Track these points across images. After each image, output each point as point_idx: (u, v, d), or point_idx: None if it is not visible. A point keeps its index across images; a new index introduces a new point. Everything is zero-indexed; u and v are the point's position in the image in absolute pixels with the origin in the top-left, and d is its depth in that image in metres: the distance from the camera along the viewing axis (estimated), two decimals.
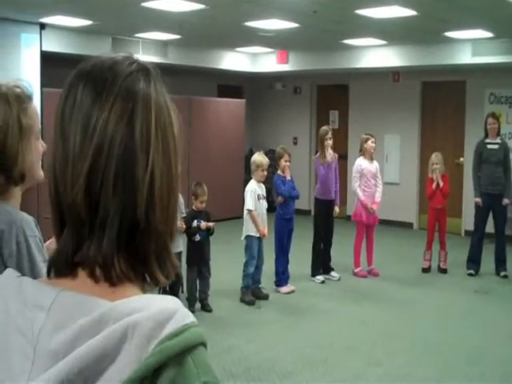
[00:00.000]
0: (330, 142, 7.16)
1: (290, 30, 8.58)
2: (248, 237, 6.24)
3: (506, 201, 7.48)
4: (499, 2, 6.57)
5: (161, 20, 7.93)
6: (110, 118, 0.86)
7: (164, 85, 0.95)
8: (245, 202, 6.28)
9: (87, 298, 0.83)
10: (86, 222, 0.86)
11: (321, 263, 7.21)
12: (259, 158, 6.38)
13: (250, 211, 6.20)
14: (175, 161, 0.92)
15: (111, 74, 0.88)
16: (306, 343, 5.15)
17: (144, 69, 0.93)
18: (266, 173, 6.32)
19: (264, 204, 6.34)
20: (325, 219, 7.20)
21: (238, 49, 11.03)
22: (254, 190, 6.23)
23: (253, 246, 6.19)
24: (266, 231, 6.26)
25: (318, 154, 7.32)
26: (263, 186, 6.39)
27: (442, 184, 7.57)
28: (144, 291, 0.89)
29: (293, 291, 6.61)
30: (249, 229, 6.23)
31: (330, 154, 7.18)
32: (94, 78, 0.89)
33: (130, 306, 0.81)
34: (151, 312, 0.80)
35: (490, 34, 8.73)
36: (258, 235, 6.19)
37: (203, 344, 0.83)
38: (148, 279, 0.90)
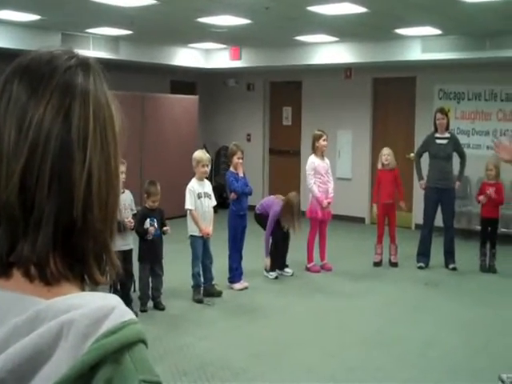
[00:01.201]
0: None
1: (242, 26, 8.58)
2: (191, 236, 6.19)
3: (457, 183, 7.72)
4: (447, 0, 6.70)
5: (111, 15, 7.83)
6: (46, 113, 0.84)
7: (105, 80, 0.93)
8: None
9: (22, 296, 0.81)
10: (20, 220, 0.84)
11: (278, 258, 7.24)
12: (199, 153, 6.33)
13: (189, 211, 6.15)
14: (115, 158, 0.91)
15: (48, 69, 0.86)
16: (260, 339, 5.17)
17: (83, 63, 0.90)
18: (207, 169, 6.27)
19: (208, 202, 6.24)
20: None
21: (191, 45, 10.97)
22: (192, 189, 6.15)
23: (196, 246, 6.14)
24: (209, 230, 6.16)
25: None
26: (207, 183, 6.33)
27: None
28: (83, 290, 0.88)
29: (246, 287, 6.63)
30: (191, 228, 6.17)
31: None
32: (30, 72, 0.86)
33: (66, 303, 0.79)
34: (88, 309, 0.78)
35: (438, 31, 8.90)
36: (200, 235, 6.14)
37: (143, 341, 0.83)
38: (86, 278, 0.89)
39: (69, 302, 0.80)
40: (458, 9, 7.15)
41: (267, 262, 7.10)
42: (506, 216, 9.12)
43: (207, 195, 6.25)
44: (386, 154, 7.83)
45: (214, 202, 6.36)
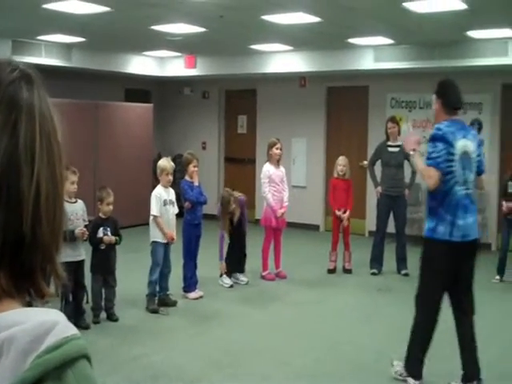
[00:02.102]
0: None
1: (197, 34, 8.58)
2: (153, 243, 6.17)
3: (407, 191, 7.85)
4: (399, 11, 6.83)
5: (63, 22, 7.73)
6: None
7: (46, 90, 0.93)
8: (150, 207, 6.21)
9: None
10: None
11: (235, 263, 7.25)
12: (163, 162, 6.34)
13: (154, 217, 6.13)
14: (60, 169, 0.90)
15: None
16: (215, 348, 5.16)
17: (26, 76, 0.90)
18: (171, 177, 6.27)
19: (172, 209, 6.28)
20: (237, 222, 7.26)
21: (146, 52, 10.92)
22: (159, 195, 6.16)
23: (157, 253, 6.12)
24: (173, 234, 6.21)
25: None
26: (171, 191, 6.33)
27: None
28: (29, 305, 0.87)
29: (201, 297, 6.61)
30: (154, 235, 6.16)
31: None
32: None
33: (7, 320, 0.78)
34: (30, 325, 0.78)
35: (390, 41, 9.08)
36: (163, 241, 6.13)
37: (86, 357, 0.82)
38: (32, 293, 0.88)
39: (10, 318, 0.79)
40: (408, 19, 7.30)
41: (222, 266, 7.10)
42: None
43: (171, 202, 6.26)
44: (342, 164, 7.91)
45: (176, 210, 6.35)
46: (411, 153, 4.45)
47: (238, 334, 5.54)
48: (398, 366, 4.51)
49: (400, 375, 4.47)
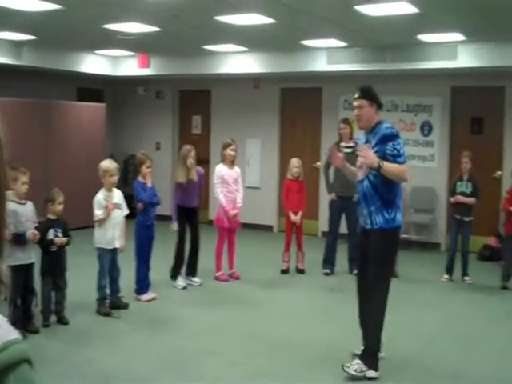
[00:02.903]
0: (192, 161, 7.10)
1: (150, 33, 8.51)
2: (98, 249, 6.06)
3: (355, 196, 7.94)
4: (351, 14, 6.91)
5: (11, 19, 7.57)
6: None
7: None
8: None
9: None
10: None
11: (181, 267, 7.21)
12: (106, 163, 6.17)
13: (97, 222, 6.01)
14: (2, 168, 0.89)
15: None
16: (167, 350, 5.13)
17: None
18: (115, 178, 6.14)
19: (117, 213, 6.09)
20: (190, 224, 7.22)
21: (98, 51, 10.78)
22: (98, 201, 6.02)
23: (103, 259, 6.01)
24: (122, 246, 6.12)
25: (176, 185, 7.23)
26: (116, 193, 6.20)
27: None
28: None
29: (154, 299, 6.55)
30: (99, 241, 6.03)
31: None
32: None
33: None
34: None
35: (343, 44, 9.18)
36: (108, 247, 6.03)
37: (27, 361, 0.81)
38: None
39: None
40: (361, 22, 7.39)
41: (174, 226, 7.07)
42: (405, 223, 9.49)
43: (117, 205, 6.13)
44: (297, 166, 7.96)
45: (125, 212, 6.24)
46: (380, 164, 4.54)
47: (191, 336, 5.52)
48: (355, 364, 4.59)
49: (360, 372, 4.55)
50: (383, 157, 4.50)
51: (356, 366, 4.56)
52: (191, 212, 7.22)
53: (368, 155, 4.53)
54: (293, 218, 7.88)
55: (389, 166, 4.52)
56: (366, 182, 4.65)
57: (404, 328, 5.85)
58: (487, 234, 9.28)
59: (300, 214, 7.94)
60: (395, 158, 4.51)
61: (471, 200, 7.67)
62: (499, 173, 9.49)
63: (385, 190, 4.59)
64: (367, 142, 4.71)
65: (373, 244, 4.61)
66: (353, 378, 4.50)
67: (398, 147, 4.52)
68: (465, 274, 7.77)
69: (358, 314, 4.84)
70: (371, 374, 4.54)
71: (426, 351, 5.22)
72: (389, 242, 4.64)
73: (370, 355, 4.58)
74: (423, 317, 6.26)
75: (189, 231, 7.25)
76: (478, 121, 9.78)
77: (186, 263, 7.27)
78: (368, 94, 4.74)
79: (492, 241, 9.25)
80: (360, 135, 4.93)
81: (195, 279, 7.29)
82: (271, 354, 5.10)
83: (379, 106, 4.77)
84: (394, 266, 4.78)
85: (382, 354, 4.75)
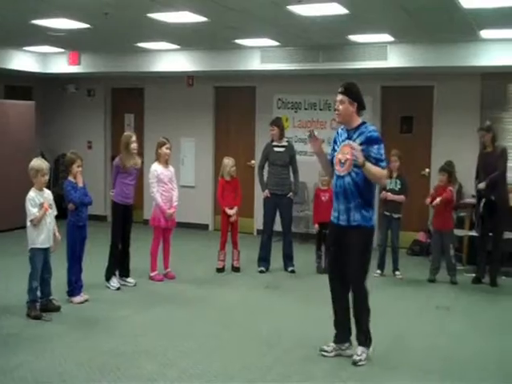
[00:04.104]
0: (135, 145, 7.08)
1: (81, 30, 8.34)
2: (31, 249, 5.90)
3: (290, 194, 8.02)
4: (283, 14, 6.96)
5: None
6: None
7: None
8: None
9: None
10: None
11: (117, 267, 7.11)
12: (38, 162, 5.97)
13: (31, 222, 5.86)
14: None
15: None
16: (100, 352, 5.03)
17: None
18: (47, 178, 5.99)
19: (50, 212, 5.95)
20: (123, 223, 7.12)
21: (27, 48, 10.48)
22: (32, 199, 5.84)
23: (36, 260, 5.83)
24: (59, 239, 6.00)
25: (118, 159, 7.14)
26: (47, 193, 6.03)
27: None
28: None
29: (87, 300, 6.42)
30: (33, 241, 5.87)
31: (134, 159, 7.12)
32: None
33: None
34: None
35: (277, 43, 9.25)
36: (43, 247, 5.88)
37: None
38: None
39: None
40: (293, 22, 7.47)
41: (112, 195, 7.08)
42: None
43: (49, 206, 5.97)
44: (232, 165, 7.95)
45: (55, 212, 6.08)
46: (365, 163, 4.65)
47: (125, 337, 5.44)
48: (361, 352, 4.84)
49: (365, 360, 4.81)
50: (366, 158, 4.65)
51: (364, 355, 4.81)
52: (128, 210, 7.11)
53: (354, 153, 4.66)
54: (229, 211, 7.87)
55: (371, 167, 4.67)
56: (348, 179, 4.75)
57: None
58: (416, 230, 9.55)
59: (236, 208, 7.94)
60: (378, 161, 4.69)
61: (400, 197, 7.88)
62: (427, 170, 9.77)
63: (366, 189, 4.74)
64: (349, 138, 4.80)
65: (352, 241, 4.76)
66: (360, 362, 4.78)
67: (381, 151, 4.72)
68: (395, 269, 7.97)
69: (331, 299, 5.04)
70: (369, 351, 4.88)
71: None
72: (366, 239, 4.82)
73: (368, 337, 4.87)
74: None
75: (122, 230, 7.13)
76: (407, 120, 10.04)
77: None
78: (350, 92, 4.81)
79: (421, 236, 9.53)
80: (340, 131, 4.94)
81: (129, 280, 7.20)
82: (206, 353, 5.08)
83: (361, 107, 4.79)
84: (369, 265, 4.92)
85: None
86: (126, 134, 7.34)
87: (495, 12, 6.69)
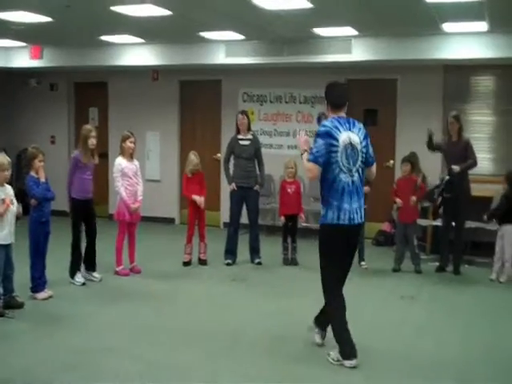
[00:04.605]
0: (93, 141, 6.97)
1: (42, 23, 8.22)
2: None
3: (256, 187, 8.02)
4: (247, 7, 6.96)
5: None
6: None
7: None
8: None
9: None
10: None
11: (80, 263, 7.03)
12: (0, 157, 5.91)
13: None
14: None
15: None
16: (65, 349, 4.98)
17: None
18: (8, 173, 5.88)
19: (12, 208, 5.84)
20: (85, 218, 7.03)
21: None
22: None
23: None
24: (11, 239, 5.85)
25: (77, 152, 7.05)
26: (8, 189, 5.92)
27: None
28: None
29: (51, 296, 6.34)
30: None
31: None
32: None
33: None
34: None
35: (241, 37, 9.24)
36: (5, 243, 5.77)
37: None
38: None
39: None
40: (258, 15, 7.47)
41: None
42: (304, 211, 9.71)
43: (11, 201, 5.85)
44: (195, 162, 7.92)
45: (15, 208, 5.97)
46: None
47: (90, 333, 5.39)
48: (334, 352, 4.72)
49: (337, 361, 4.68)
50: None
51: (334, 355, 4.71)
52: (89, 204, 7.03)
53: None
54: (197, 198, 7.84)
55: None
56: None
57: (305, 314, 5.98)
58: (381, 220, 9.66)
59: (202, 197, 7.91)
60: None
61: (365, 188, 7.92)
62: (392, 162, 9.87)
63: (320, 186, 4.71)
64: None
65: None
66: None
67: (313, 146, 4.65)
68: (361, 259, 8.05)
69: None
70: (347, 363, 4.67)
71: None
72: (321, 239, 4.75)
73: (343, 346, 4.66)
74: (320, 302, 6.41)
75: (84, 224, 7.05)
76: (372, 112, 10.12)
77: (83, 259, 7.09)
78: (324, 93, 4.88)
79: (386, 226, 9.64)
80: None
81: (95, 274, 7.13)
82: (172, 347, 5.07)
83: (332, 105, 4.77)
84: (333, 267, 4.76)
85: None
86: (85, 127, 7.17)
87: (457, 5, 6.80)
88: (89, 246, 7.11)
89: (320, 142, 4.58)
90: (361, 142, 4.69)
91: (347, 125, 4.69)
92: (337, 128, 4.62)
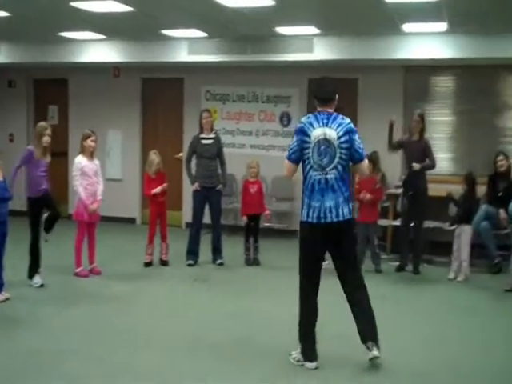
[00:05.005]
0: (48, 139, 6.84)
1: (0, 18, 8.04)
2: None
3: (219, 186, 7.99)
4: (209, 4, 6.91)
5: None
6: None
7: None
8: None
9: None
10: None
11: (39, 265, 6.89)
12: None
13: None
14: None
15: None
16: (25, 352, 4.87)
17: None
18: None
19: None
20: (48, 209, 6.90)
21: None
22: None
23: None
24: None
25: (32, 145, 6.90)
26: None
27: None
28: None
29: (8, 299, 6.18)
30: None
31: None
32: None
33: None
34: None
35: (204, 34, 9.19)
36: None
37: None
38: None
39: None
40: (220, 13, 7.43)
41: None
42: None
43: None
44: (157, 162, 7.85)
45: None
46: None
47: (49, 335, 5.29)
48: (296, 353, 4.66)
49: (298, 361, 4.63)
50: None
51: (295, 355, 4.66)
52: (45, 198, 6.83)
53: None
54: (158, 188, 7.75)
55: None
56: None
57: (267, 314, 5.98)
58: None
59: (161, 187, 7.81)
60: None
61: None
62: None
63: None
64: None
65: None
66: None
67: (291, 142, 4.62)
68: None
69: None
70: (308, 365, 4.62)
71: (285, 335, 5.36)
72: (300, 236, 4.72)
73: (305, 347, 4.63)
74: (283, 302, 6.42)
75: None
76: (335, 111, 10.13)
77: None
78: (314, 86, 4.86)
79: None
80: None
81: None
82: (133, 349, 5.00)
83: (317, 100, 4.67)
84: (307, 265, 4.70)
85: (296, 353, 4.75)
86: (40, 124, 7.04)
87: (416, 6, 6.87)
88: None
89: (294, 138, 4.57)
90: (339, 138, 4.50)
91: (325, 121, 4.55)
92: (310, 124, 4.53)
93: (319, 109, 4.65)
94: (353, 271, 4.76)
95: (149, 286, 7.00)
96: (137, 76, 11.01)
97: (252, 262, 8.12)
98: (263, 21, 8.02)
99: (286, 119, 10.29)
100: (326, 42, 9.09)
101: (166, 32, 9.08)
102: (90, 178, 7.30)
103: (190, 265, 7.94)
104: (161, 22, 8.39)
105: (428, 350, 5.10)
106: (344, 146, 4.53)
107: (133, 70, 10.86)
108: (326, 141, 4.49)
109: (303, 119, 4.63)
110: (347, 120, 4.65)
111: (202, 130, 8.07)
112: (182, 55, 9.84)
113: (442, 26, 8.06)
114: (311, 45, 9.13)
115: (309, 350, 4.63)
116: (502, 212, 7.77)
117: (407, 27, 8.16)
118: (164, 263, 7.95)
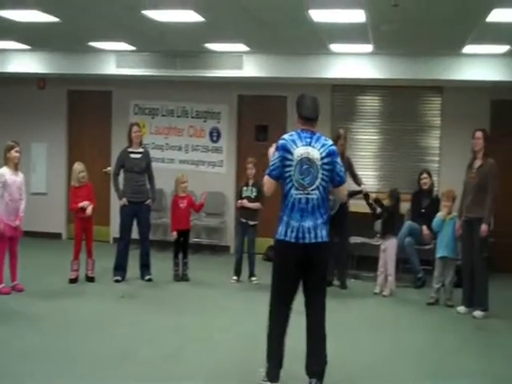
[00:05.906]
0: None
1: None
2: None
3: (148, 201, 7.93)
4: (138, 18, 6.85)
5: None
6: None
7: None
8: None
9: None
10: None
11: None
12: None
13: None
14: None
15: None
16: None
17: None
18: None
19: None
20: None
21: None
22: None
23: None
24: None
25: None
26: None
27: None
28: None
29: None
30: None
31: None
32: None
33: None
34: None
35: (132, 47, 9.11)
36: None
37: None
38: None
39: None
40: (149, 27, 7.38)
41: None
42: (196, 226, 9.70)
43: None
44: (80, 169, 7.71)
45: None
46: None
47: None
48: (263, 371, 4.55)
49: (263, 380, 4.51)
50: None
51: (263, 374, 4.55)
52: None
53: (270, 151, 4.62)
54: (85, 203, 7.57)
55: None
56: None
57: (196, 330, 5.94)
58: (272, 236, 9.74)
59: (91, 206, 7.66)
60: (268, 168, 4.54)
61: (256, 205, 8.03)
62: None
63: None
64: None
65: None
66: None
67: (272, 158, 4.51)
68: (252, 274, 8.11)
69: None
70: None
71: (213, 350, 5.33)
72: (274, 254, 4.66)
73: (269, 366, 4.52)
74: (211, 318, 6.40)
75: None
76: (262, 128, 10.27)
77: None
78: (296, 102, 4.71)
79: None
80: None
81: None
82: (56, 370, 4.81)
83: (301, 118, 4.56)
84: (279, 284, 4.59)
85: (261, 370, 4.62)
86: (8, 143, 7.03)
87: (343, 27, 7.05)
88: None
89: (276, 155, 4.45)
90: (322, 159, 4.40)
91: (308, 140, 4.45)
92: (293, 142, 4.43)
93: (302, 127, 4.55)
94: (320, 294, 4.65)
95: (74, 304, 6.81)
96: (63, 88, 10.79)
97: (181, 277, 8.05)
98: (193, 36, 8.03)
99: (215, 135, 10.30)
100: (255, 60, 9.20)
101: (93, 44, 8.95)
102: (13, 193, 7.07)
103: (117, 281, 7.79)
104: (88, 34, 8.27)
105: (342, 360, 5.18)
106: (326, 167, 4.42)
107: (59, 82, 10.64)
108: (309, 160, 4.39)
109: (286, 136, 4.51)
110: (330, 141, 4.56)
111: (130, 144, 7.98)
112: (110, 68, 9.72)
113: (368, 48, 8.31)
114: (241, 62, 9.22)
115: (271, 369, 4.51)
116: (424, 228, 8.07)
117: (335, 47, 8.36)
118: (90, 279, 7.77)
